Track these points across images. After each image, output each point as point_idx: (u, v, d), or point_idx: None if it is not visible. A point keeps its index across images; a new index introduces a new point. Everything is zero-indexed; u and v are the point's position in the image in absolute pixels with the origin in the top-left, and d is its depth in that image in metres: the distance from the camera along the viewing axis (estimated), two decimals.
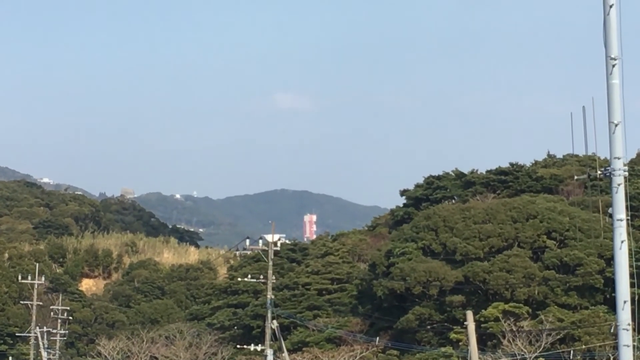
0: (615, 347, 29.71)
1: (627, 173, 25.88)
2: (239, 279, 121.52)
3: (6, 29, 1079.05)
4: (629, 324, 25.77)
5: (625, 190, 25.89)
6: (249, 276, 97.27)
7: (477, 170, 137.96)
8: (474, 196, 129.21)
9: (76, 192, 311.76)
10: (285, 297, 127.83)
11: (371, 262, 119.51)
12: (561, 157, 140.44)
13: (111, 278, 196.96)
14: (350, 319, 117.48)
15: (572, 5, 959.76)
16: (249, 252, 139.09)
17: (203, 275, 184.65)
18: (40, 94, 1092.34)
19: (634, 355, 26.05)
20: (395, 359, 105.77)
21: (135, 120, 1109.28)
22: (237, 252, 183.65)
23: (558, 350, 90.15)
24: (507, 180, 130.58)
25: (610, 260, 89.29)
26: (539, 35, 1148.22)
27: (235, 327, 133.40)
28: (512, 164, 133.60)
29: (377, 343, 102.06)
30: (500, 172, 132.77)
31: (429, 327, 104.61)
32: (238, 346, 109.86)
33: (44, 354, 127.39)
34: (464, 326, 66.65)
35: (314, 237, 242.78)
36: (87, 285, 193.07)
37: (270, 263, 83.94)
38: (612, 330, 26.74)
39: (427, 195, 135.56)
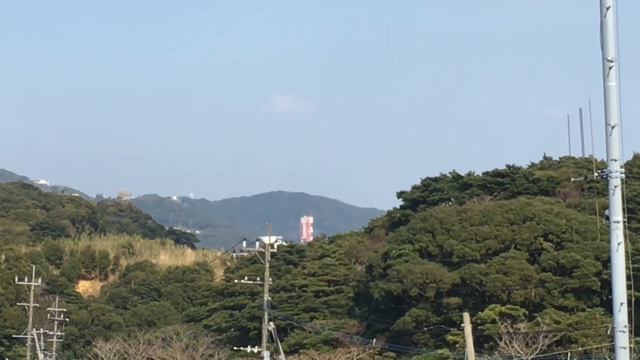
0: (612, 349, 29.74)
1: (623, 175, 25.88)
2: (236, 281, 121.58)
3: (3, 30, 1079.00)
4: (625, 326, 25.80)
5: (622, 192, 25.90)
6: (246, 278, 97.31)
7: (473, 172, 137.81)
8: (470, 198, 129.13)
9: (73, 194, 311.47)
10: (282, 299, 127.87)
11: (368, 264, 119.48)
12: (558, 159, 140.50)
13: (108, 280, 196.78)
14: (347, 321, 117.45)
15: (569, 8, 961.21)
16: (245, 254, 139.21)
17: (200, 277, 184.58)
18: (37, 96, 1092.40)
19: (630, 357, 26.05)
20: None
21: (132, 122, 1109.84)
22: (234, 254, 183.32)
23: (555, 353, 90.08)
24: (504, 183, 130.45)
25: (606, 263, 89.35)
26: (536, 37, 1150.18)
27: (232, 329, 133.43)
28: (508, 166, 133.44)
29: (373, 345, 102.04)
30: (497, 174, 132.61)
31: (425, 329, 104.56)
32: (235, 348, 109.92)
33: (41, 355, 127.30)
34: (461, 328, 66.57)
35: (311, 239, 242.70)
36: (84, 287, 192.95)
37: (267, 265, 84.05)
38: (608, 332, 26.84)
39: (424, 197, 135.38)
